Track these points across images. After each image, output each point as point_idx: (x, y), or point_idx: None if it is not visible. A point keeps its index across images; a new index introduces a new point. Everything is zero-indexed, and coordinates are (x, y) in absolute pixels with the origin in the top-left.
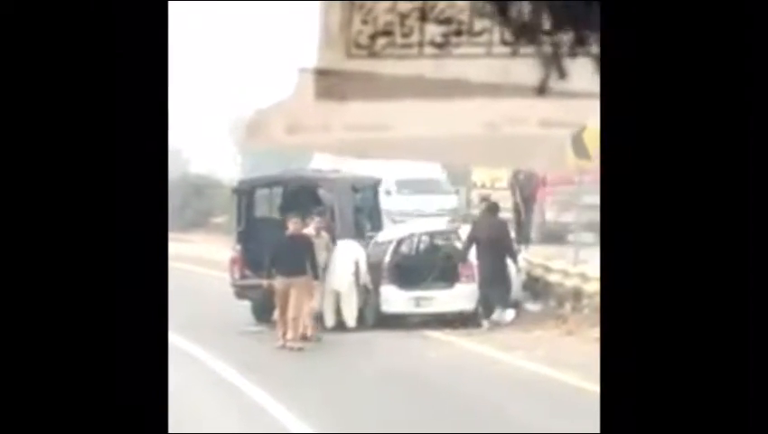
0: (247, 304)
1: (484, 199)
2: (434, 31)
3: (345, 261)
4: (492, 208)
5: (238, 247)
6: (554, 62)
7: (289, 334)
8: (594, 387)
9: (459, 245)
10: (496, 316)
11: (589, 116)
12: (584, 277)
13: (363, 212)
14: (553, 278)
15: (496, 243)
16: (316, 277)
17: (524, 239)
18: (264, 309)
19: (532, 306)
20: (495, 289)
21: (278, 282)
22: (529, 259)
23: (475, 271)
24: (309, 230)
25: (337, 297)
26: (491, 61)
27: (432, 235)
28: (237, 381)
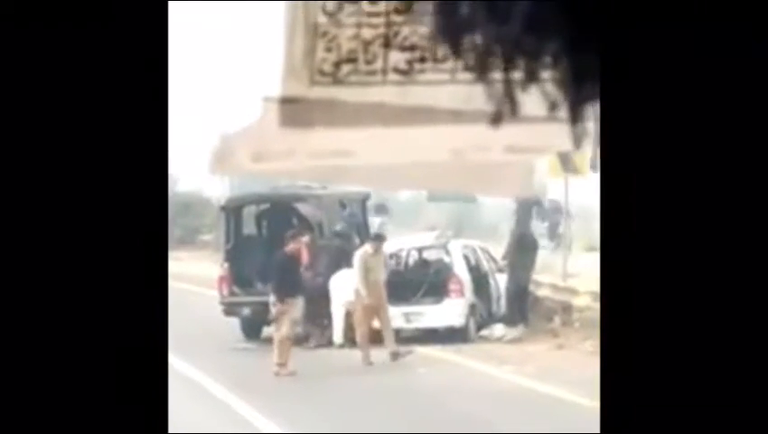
0: (235, 321)
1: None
2: (397, 57)
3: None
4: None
5: (226, 264)
6: (506, 94)
7: (282, 360)
8: (586, 401)
9: (447, 260)
10: (487, 331)
11: (555, 141)
12: (573, 291)
13: (351, 228)
14: (542, 292)
15: (528, 257)
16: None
17: None
18: (253, 326)
19: (511, 331)
20: (518, 303)
21: (274, 302)
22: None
23: (464, 286)
24: (366, 248)
25: (348, 316)
26: (455, 87)
27: (420, 250)
28: (226, 397)
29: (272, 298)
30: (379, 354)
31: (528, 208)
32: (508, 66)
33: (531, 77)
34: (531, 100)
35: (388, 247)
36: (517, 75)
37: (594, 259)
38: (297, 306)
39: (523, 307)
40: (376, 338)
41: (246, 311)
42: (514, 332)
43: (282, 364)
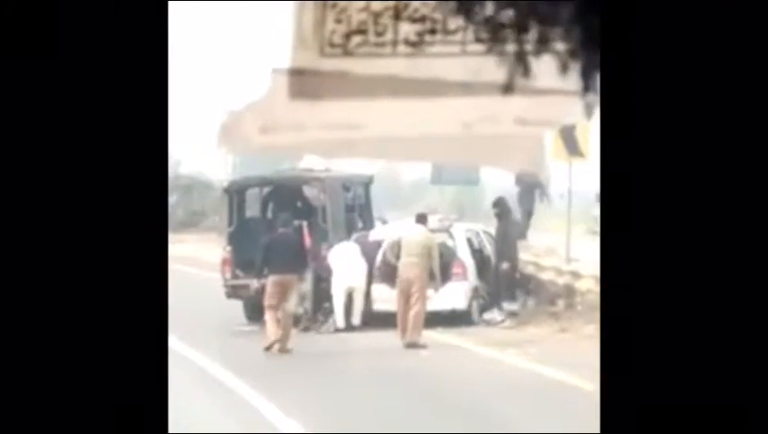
0: (238, 304)
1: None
2: (408, 29)
3: (353, 261)
4: (502, 205)
5: (229, 247)
6: (519, 61)
7: (281, 337)
8: (589, 385)
9: (451, 243)
10: (489, 314)
11: (565, 113)
12: (576, 274)
13: (354, 211)
14: (545, 275)
15: (511, 242)
16: (302, 276)
17: None
18: (255, 309)
19: (508, 306)
20: (507, 286)
21: (270, 281)
22: (520, 256)
23: (467, 270)
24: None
25: (349, 298)
26: (465, 59)
27: None
28: (228, 380)
29: (271, 278)
30: (388, 338)
31: (530, 190)
32: (520, 32)
33: (543, 44)
34: (542, 72)
35: (389, 230)
36: (529, 42)
37: (597, 243)
38: (302, 285)
39: (513, 286)
40: (390, 322)
41: (248, 293)
42: (510, 308)
43: (281, 345)
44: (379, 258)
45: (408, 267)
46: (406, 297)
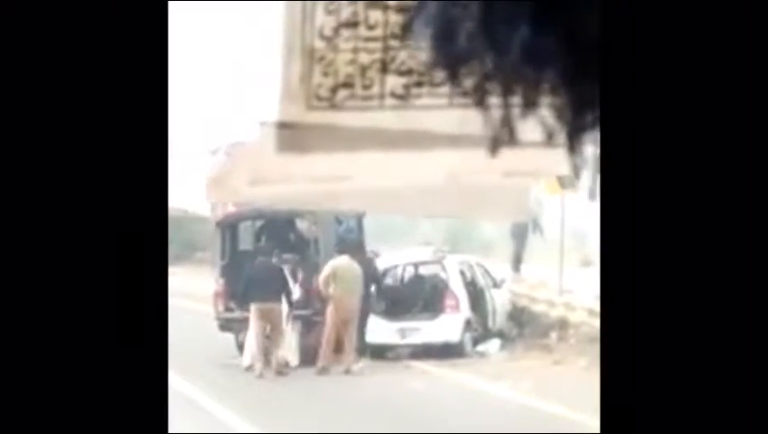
0: (231, 337)
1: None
2: (394, 82)
3: None
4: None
5: (222, 280)
6: (504, 124)
7: (270, 362)
8: (582, 418)
9: (444, 275)
10: (482, 346)
11: (553, 165)
12: (569, 306)
13: (347, 244)
14: (538, 308)
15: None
16: (290, 304)
17: None
18: None
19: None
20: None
21: (255, 310)
22: (513, 288)
23: (460, 302)
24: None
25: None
26: (452, 111)
27: (416, 265)
28: (221, 413)
29: (253, 307)
30: (380, 369)
31: (524, 223)
32: (506, 94)
33: (529, 105)
34: (529, 125)
35: (384, 262)
36: (515, 104)
37: (590, 275)
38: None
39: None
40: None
41: (240, 326)
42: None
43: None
44: (372, 289)
45: (345, 295)
46: (344, 324)
